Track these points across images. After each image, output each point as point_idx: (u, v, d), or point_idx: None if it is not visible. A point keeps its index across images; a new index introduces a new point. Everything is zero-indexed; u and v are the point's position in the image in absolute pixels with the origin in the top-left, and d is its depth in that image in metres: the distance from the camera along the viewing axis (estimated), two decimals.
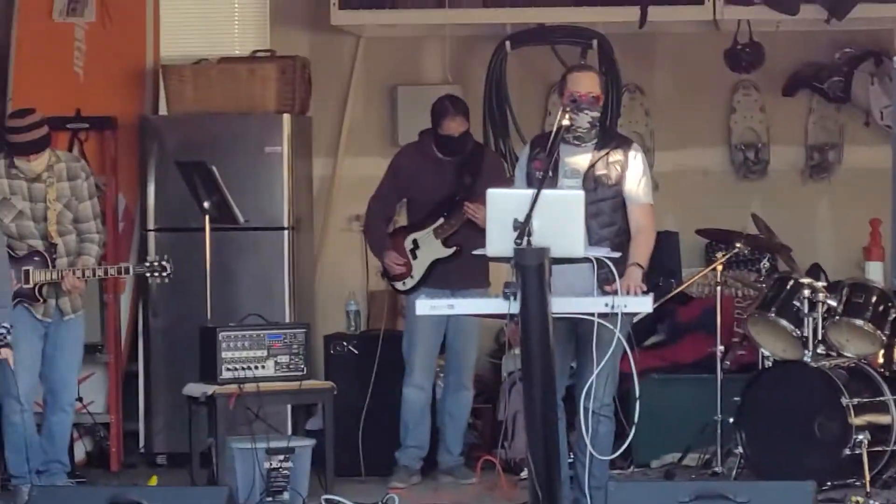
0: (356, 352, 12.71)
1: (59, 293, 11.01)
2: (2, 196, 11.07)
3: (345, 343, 12.82)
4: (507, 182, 11.51)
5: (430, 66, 14.53)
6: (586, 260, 8.83)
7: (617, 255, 9.20)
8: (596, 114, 10.08)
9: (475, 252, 9.48)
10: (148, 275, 11.66)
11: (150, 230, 13.08)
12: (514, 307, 8.49)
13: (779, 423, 11.39)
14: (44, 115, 11.33)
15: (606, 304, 8.91)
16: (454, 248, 12.08)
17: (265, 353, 11.46)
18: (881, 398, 11.23)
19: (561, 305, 8.76)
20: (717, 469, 11.31)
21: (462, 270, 11.83)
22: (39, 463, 10.86)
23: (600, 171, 9.89)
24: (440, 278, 12.00)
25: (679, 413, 11.90)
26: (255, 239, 12.98)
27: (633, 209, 9.96)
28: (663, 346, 12.39)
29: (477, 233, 11.01)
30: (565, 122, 9.55)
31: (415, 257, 12.23)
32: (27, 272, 10.74)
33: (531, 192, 8.65)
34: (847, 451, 10.82)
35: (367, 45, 14.42)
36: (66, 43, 13.84)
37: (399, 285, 12.32)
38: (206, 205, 11.77)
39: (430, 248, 12.20)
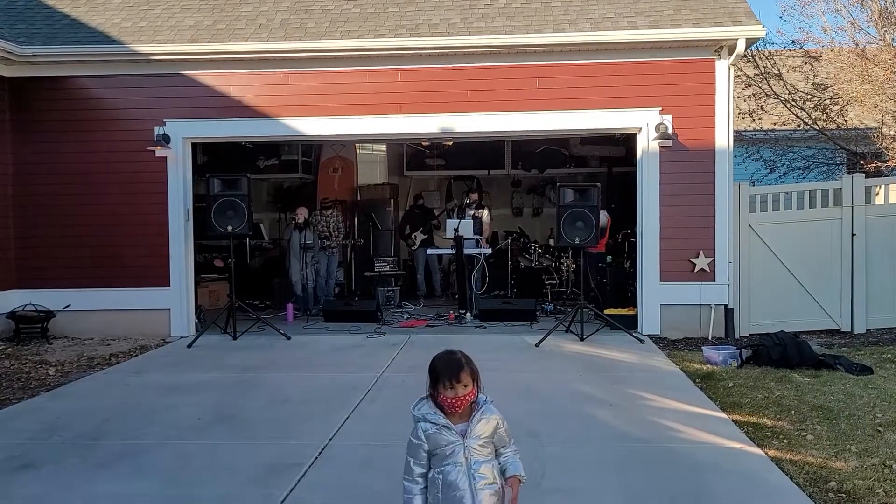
0: (409, 263, 13.40)
1: (329, 246, 11.86)
2: (318, 220, 11.78)
3: (405, 261, 13.62)
4: (436, 224, 12.87)
5: (431, 186, 14.83)
6: (473, 237, 10.83)
7: (479, 237, 10.99)
8: (476, 202, 11.66)
9: (444, 237, 11.46)
10: (352, 243, 12.73)
11: (354, 230, 13.32)
12: (453, 252, 10.93)
13: (526, 282, 12.36)
14: (329, 198, 12.61)
15: (478, 251, 10.94)
16: (426, 236, 12.88)
17: (386, 264, 12.47)
18: (553, 277, 12.11)
19: (467, 251, 10.73)
20: (508, 297, 11.67)
21: (429, 242, 12.79)
22: (325, 295, 11.80)
23: (476, 215, 11.33)
24: (423, 245, 12.71)
25: (500, 278, 12.16)
26: (384, 235, 13.51)
27: (484, 226, 11.38)
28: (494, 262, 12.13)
29: (434, 231, 12.98)
30: (467, 202, 11.56)
31: (414, 238, 12.90)
32: (320, 242, 11.65)
33: (459, 220, 10.80)
34: (544, 290, 11.94)
35: (414, 180, 14.73)
36: (330, 177, 13.96)
37: (411, 247, 13.04)
38: (370, 223, 13.09)
39: (419, 236, 12.87)
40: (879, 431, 5.39)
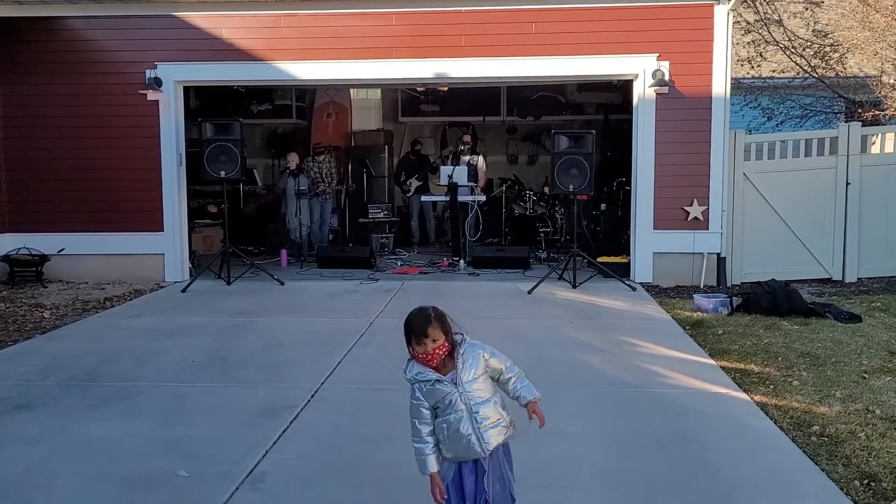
0: (404, 210, 13.54)
1: (322, 192, 11.92)
2: (310, 166, 11.85)
3: (399, 208, 13.71)
4: (434, 166, 12.54)
5: (426, 132, 14.61)
6: (467, 184, 10.83)
7: (473, 185, 10.99)
8: (469, 147, 11.70)
9: (438, 184, 11.35)
10: (345, 188, 12.82)
11: (348, 177, 13.28)
12: (447, 199, 10.86)
13: (520, 229, 12.23)
14: (322, 143, 12.67)
15: (472, 198, 10.86)
16: (420, 182, 12.76)
17: (380, 210, 12.51)
18: (547, 225, 12.03)
19: (461, 198, 10.73)
20: (502, 245, 11.69)
21: (424, 189, 12.75)
22: (319, 241, 11.83)
23: (471, 161, 11.31)
24: (418, 191, 12.67)
25: (494, 225, 12.13)
26: (378, 182, 13.39)
27: (479, 174, 11.36)
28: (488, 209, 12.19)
29: (428, 177, 12.83)
30: (462, 149, 11.52)
31: (409, 185, 12.81)
32: (315, 187, 11.68)
33: (453, 167, 10.72)
34: (538, 238, 11.89)
35: (409, 126, 14.61)
36: (324, 123, 13.95)
37: (406, 193, 12.99)
38: (364, 169, 12.87)
39: (413, 183, 12.75)
40: (864, 378, 5.44)
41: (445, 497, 2.90)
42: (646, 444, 4.24)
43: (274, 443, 4.28)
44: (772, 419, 4.61)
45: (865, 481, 3.75)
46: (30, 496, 3.67)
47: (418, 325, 2.84)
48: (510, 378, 2.94)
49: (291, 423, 4.59)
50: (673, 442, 4.27)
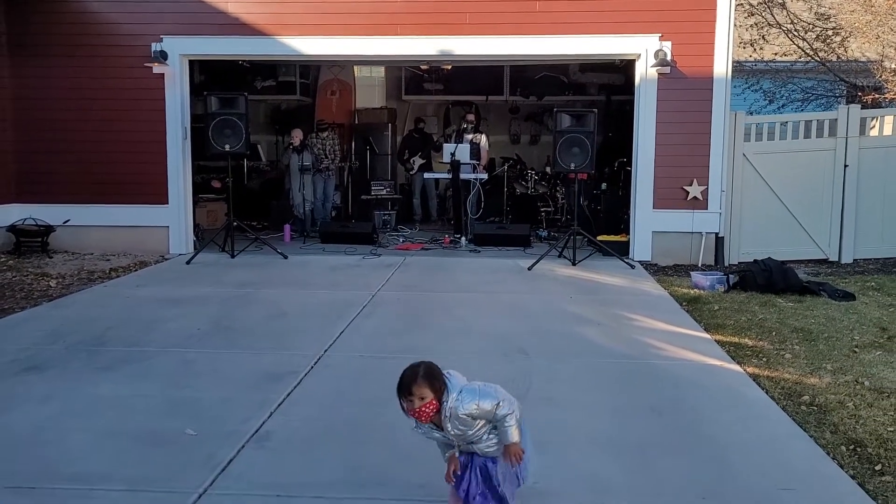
0: (406, 187, 13.53)
1: (325, 168, 11.97)
2: (314, 143, 11.82)
3: (401, 185, 13.64)
4: (437, 145, 12.76)
5: (429, 111, 14.70)
6: (469, 162, 10.84)
7: (476, 163, 10.98)
8: (473, 126, 11.65)
9: (441, 162, 11.45)
10: (348, 164, 12.83)
11: (351, 154, 13.42)
12: (450, 176, 11.01)
13: (521, 208, 12.33)
14: (325, 120, 12.62)
15: (474, 176, 10.89)
16: (424, 160, 12.88)
17: (383, 188, 12.42)
18: (548, 204, 12.17)
19: (463, 176, 10.79)
20: (503, 223, 11.59)
21: (427, 167, 12.84)
22: (322, 217, 11.90)
23: (474, 140, 11.22)
24: (421, 169, 12.74)
25: (496, 204, 11.98)
26: (381, 159, 13.41)
27: (482, 153, 11.29)
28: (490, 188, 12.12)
29: (432, 155, 12.94)
30: (465, 127, 11.52)
31: (412, 163, 12.86)
32: (318, 164, 11.71)
33: (456, 145, 10.78)
34: (539, 217, 12.00)
35: (412, 104, 14.61)
36: (328, 100, 14.03)
37: (409, 171, 13.03)
38: (367, 146, 12.81)
39: (417, 161, 12.81)
40: (855, 352, 5.52)
41: (458, 475, 2.93)
42: (642, 411, 4.33)
43: (278, 405, 4.37)
44: (764, 389, 4.70)
45: (851, 447, 3.84)
46: (42, 451, 3.76)
47: (405, 383, 2.82)
48: (498, 417, 2.82)
49: (295, 387, 4.68)
50: (668, 410, 4.36)
